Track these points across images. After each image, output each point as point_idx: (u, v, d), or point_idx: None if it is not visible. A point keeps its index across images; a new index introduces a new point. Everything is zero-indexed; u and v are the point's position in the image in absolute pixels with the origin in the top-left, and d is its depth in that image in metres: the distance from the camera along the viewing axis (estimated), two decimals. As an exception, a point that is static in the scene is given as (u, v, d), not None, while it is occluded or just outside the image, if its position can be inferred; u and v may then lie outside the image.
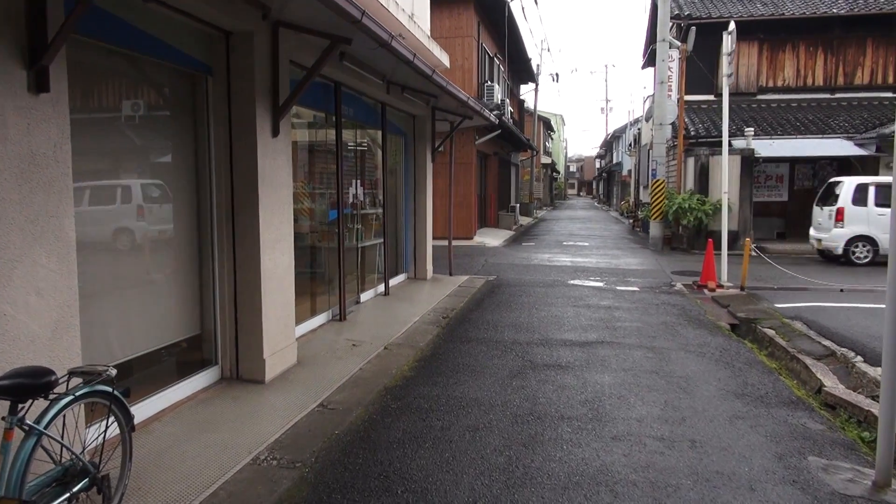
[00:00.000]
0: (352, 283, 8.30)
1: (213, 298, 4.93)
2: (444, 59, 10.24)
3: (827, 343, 6.78)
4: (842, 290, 9.96)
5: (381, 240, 9.07)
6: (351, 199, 8.04)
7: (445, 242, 16.81)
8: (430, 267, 10.76)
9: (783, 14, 18.61)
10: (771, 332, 7.46)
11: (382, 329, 7.02)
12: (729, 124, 18.13)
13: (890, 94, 18.76)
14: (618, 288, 10.44)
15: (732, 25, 10.53)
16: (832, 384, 5.67)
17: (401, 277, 10.27)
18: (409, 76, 7.40)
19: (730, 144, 17.04)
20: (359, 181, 8.24)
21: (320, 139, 7.28)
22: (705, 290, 10.33)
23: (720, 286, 10.46)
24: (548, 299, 9.28)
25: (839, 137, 16.69)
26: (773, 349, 7.06)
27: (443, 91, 7.23)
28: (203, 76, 4.76)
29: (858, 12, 18.29)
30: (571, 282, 11.05)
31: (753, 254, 10.45)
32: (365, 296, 8.53)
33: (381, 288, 9.04)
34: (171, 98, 4.69)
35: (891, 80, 18.81)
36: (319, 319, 6.99)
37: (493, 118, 10.44)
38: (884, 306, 3.56)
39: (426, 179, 10.41)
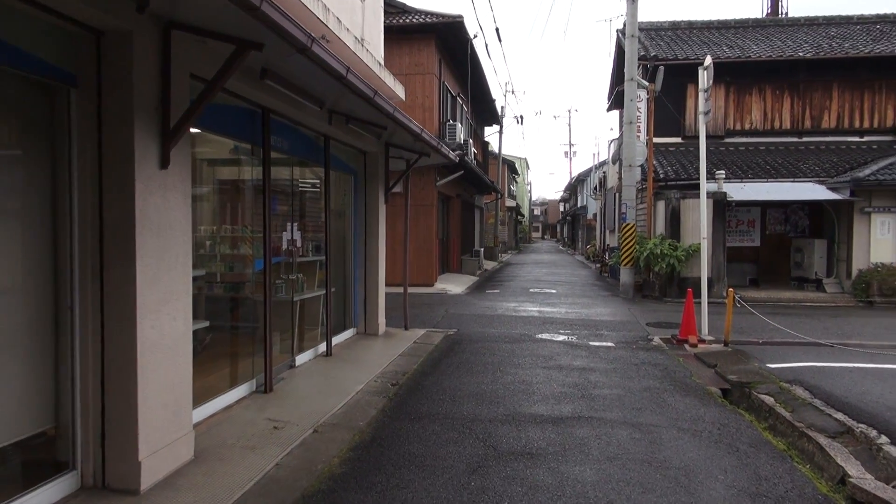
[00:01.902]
0: (285, 342, 7.09)
1: (73, 380, 3.70)
2: (399, 91, 9.29)
3: (839, 416, 5.78)
4: (833, 346, 9.10)
5: (324, 291, 7.90)
6: (285, 245, 6.89)
7: (409, 290, 15.73)
8: (382, 320, 9.58)
9: (749, 57, 18.31)
10: (769, 401, 6.45)
11: (316, 403, 5.81)
12: (698, 167, 17.65)
13: (857, 139, 18.50)
14: (591, 343, 9.40)
15: (709, 60, 9.83)
16: (858, 473, 4.65)
17: (348, 333, 9.07)
18: (355, 104, 6.38)
19: (699, 187, 16.45)
20: (296, 224, 7.11)
21: (245, 176, 6.17)
22: (686, 346, 9.36)
23: (702, 341, 9.51)
24: (514, 359, 8.17)
25: (810, 181, 16.19)
26: (774, 422, 6.05)
27: (391, 120, 6.21)
28: (64, 88, 3.63)
29: (824, 56, 18.08)
30: (540, 336, 9.99)
31: (738, 305, 9.54)
32: (302, 358, 7.32)
33: (323, 347, 7.83)
34: (14, 116, 3.54)
35: (857, 124, 18.56)
36: (238, 392, 5.75)
37: (452, 156, 9.47)
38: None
39: (378, 222, 9.33)
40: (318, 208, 8.04)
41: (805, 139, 18.68)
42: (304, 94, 5.60)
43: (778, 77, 18.60)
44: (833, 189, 15.43)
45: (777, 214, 17.53)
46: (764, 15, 25.77)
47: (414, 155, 9.35)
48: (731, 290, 9.55)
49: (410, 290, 15.96)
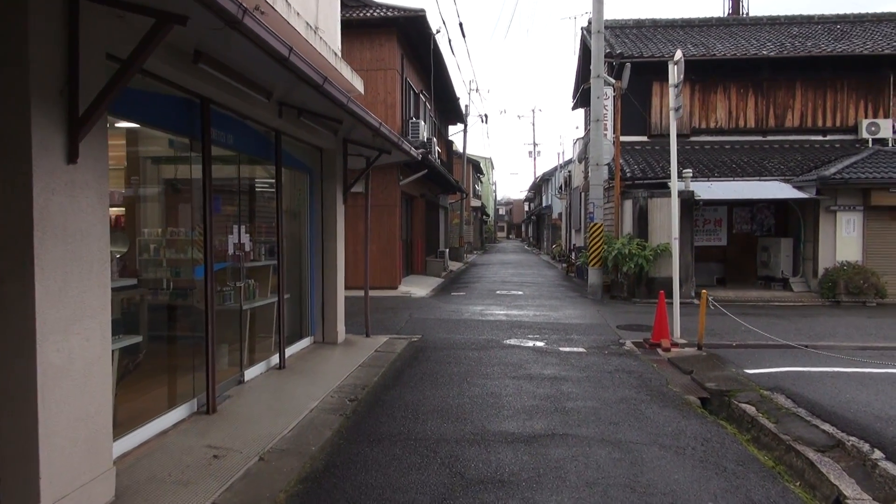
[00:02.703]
0: (234, 355, 6.50)
1: (-42, 416, 3.10)
2: (358, 84, 8.74)
3: (827, 427, 5.44)
4: (808, 349, 8.85)
5: (277, 298, 7.31)
6: (232, 250, 6.30)
7: (372, 293, 15.16)
8: (341, 328, 9.02)
9: (714, 55, 18.17)
10: (751, 410, 6.11)
11: (265, 424, 5.24)
12: (665, 166, 17.45)
13: (820, 137, 18.52)
14: (562, 349, 8.99)
15: (679, 54, 9.52)
16: (855, 494, 4.30)
17: (305, 342, 8.48)
18: (307, 95, 5.84)
19: (667, 186, 16.22)
20: (244, 227, 6.52)
21: (184, 174, 5.56)
22: (659, 350, 9.03)
23: (675, 344, 9.19)
24: (482, 368, 7.70)
25: (776, 180, 16.11)
26: (758, 433, 5.70)
27: (345, 112, 5.67)
28: (-58, 65, 3.03)
29: (787, 54, 18.04)
30: (508, 342, 9.54)
31: (711, 307, 9.23)
32: (252, 371, 6.72)
33: (276, 359, 7.24)
34: None
35: (820, 123, 18.58)
36: (176, 415, 5.14)
37: (414, 153, 8.97)
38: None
39: (336, 223, 8.77)
40: (270, 209, 7.45)
41: (769, 138, 18.65)
42: (247, 82, 5.04)
43: (742, 76, 18.54)
44: (799, 187, 15.36)
45: (743, 213, 17.43)
46: (726, 14, 25.84)
47: (374, 152, 8.82)
48: (704, 291, 9.24)
49: (373, 293, 15.39)
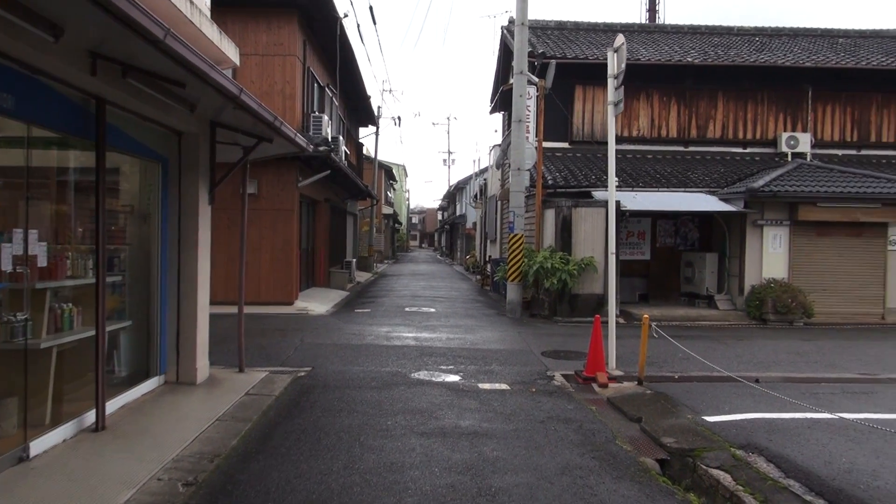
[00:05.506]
0: (19, 417, 4.47)
1: None
2: (232, 53, 6.87)
3: (835, 513, 4.08)
4: (757, 381, 7.69)
5: (96, 330, 5.27)
6: (9, 266, 4.29)
7: (263, 309, 13.15)
8: (203, 363, 7.04)
9: (638, 59, 17.30)
10: (728, 481, 4.70)
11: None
12: (588, 174, 16.35)
13: (740, 150, 18.01)
14: (481, 387, 7.39)
15: (620, 39, 8.21)
16: None
17: (151, 384, 6.46)
18: (138, 47, 3.96)
19: (590, 195, 15.08)
20: (33, 233, 4.52)
21: None
22: (595, 386, 7.63)
23: (612, 378, 7.81)
24: (381, 419, 5.96)
25: (701, 191, 15.30)
26: (741, 516, 4.28)
27: (168, 58, 3.81)
28: None
29: (711, 62, 17.42)
30: (416, 376, 7.85)
31: (654, 335, 7.90)
32: (48, 440, 4.68)
33: (92, 417, 5.21)
34: None
35: (741, 135, 18.08)
36: None
37: (300, 141, 7.12)
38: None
39: (198, 229, 6.81)
40: (103, 207, 5.44)
41: (691, 148, 17.99)
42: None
43: (666, 83, 17.80)
44: (726, 200, 14.56)
45: (667, 226, 16.54)
46: (643, 21, 25.42)
47: (252, 140, 6.96)
48: (646, 316, 7.89)
49: (264, 310, 13.35)
